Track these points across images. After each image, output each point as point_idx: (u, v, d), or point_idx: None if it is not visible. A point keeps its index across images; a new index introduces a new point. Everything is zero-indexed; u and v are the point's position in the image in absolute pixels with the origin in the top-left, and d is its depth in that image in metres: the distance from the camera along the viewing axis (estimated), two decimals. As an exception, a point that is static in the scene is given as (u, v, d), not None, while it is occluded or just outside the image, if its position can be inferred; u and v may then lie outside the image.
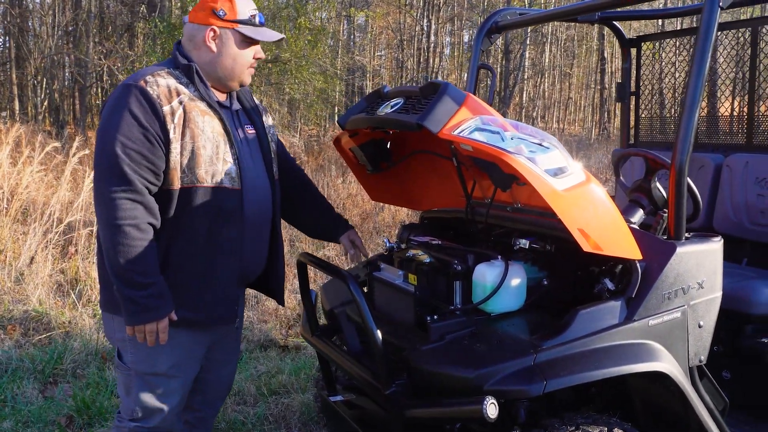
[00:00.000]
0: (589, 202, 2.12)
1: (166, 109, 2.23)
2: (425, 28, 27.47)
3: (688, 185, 2.64)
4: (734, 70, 3.85)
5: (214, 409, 2.80)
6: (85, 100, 17.75)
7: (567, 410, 2.42)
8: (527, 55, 26.45)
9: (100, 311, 2.53)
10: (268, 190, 2.54)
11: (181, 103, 2.27)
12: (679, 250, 2.28)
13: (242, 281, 2.56)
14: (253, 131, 2.56)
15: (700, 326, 2.33)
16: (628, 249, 2.18)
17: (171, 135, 2.23)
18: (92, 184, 2.38)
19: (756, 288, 2.87)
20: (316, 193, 2.90)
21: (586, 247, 2.06)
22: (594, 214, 2.11)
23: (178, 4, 16.27)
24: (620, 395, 2.66)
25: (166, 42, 13.51)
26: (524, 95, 28.91)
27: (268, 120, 2.67)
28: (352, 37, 30.04)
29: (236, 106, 2.54)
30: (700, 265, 2.33)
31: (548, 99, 31.95)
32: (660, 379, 2.28)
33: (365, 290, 2.78)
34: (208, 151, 2.30)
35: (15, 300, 5.23)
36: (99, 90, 19.98)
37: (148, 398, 2.43)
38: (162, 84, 2.26)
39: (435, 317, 2.37)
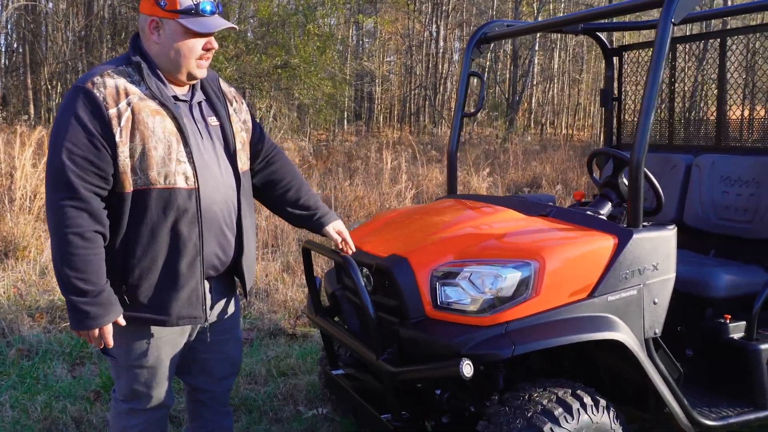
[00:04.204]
0: None
1: (112, 111, 2.18)
2: (434, 34, 27.83)
3: (651, 181, 2.96)
4: (704, 78, 4.17)
5: (225, 386, 2.78)
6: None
7: (538, 376, 2.75)
8: (536, 61, 26.72)
9: None
10: (231, 184, 2.46)
11: (129, 104, 2.21)
12: (636, 236, 2.61)
13: (209, 275, 2.49)
14: (217, 122, 2.47)
15: (654, 303, 2.65)
16: None
17: (117, 139, 2.18)
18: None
19: (716, 275, 3.18)
20: (296, 181, 2.79)
21: None
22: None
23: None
24: (589, 367, 2.99)
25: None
26: (533, 101, 29.19)
27: (240, 108, 2.61)
28: (360, 42, 30.41)
29: (199, 97, 2.45)
30: (655, 249, 2.65)
31: (557, 105, 32.17)
32: (619, 350, 2.60)
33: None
34: (159, 152, 2.23)
35: (41, 291, 5.60)
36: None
37: (136, 386, 2.49)
38: (110, 85, 2.21)
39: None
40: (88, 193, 2.18)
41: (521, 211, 3.03)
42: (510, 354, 2.40)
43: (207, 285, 2.49)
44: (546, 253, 2.55)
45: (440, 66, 28.39)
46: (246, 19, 19.42)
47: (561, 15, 26.19)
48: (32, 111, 18.03)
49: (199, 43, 2.32)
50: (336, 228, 2.83)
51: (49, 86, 18.81)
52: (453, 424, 2.88)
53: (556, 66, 30.28)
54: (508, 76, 26.93)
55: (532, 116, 29.25)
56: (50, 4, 19.78)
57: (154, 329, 2.42)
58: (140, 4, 2.33)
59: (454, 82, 30.47)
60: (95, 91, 2.19)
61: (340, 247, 2.87)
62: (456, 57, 30.99)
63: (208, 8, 2.29)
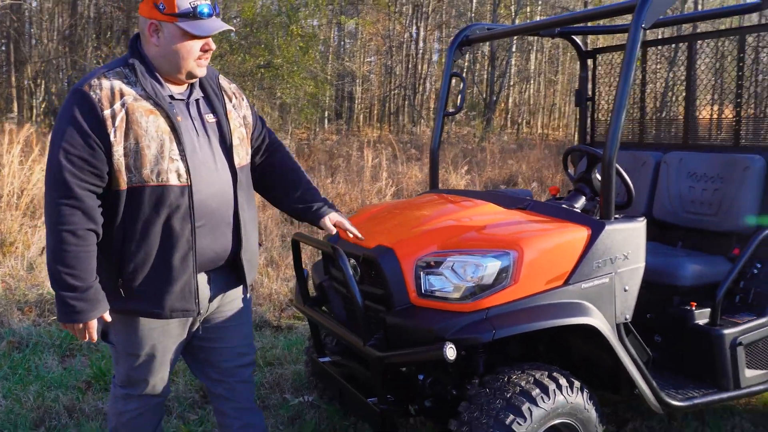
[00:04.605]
0: None
1: (107, 113, 2.27)
2: (414, 35, 28.04)
3: (622, 177, 3.14)
4: (674, 80, 4.38)
5: (239, 377, 2.79)
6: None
7: (516, 361, 2.92)
8: (513, 63, 27.02)
9: None
10: (228, 179, 2.52)
11: (123, 105, 2.29)
12: (608, 227, 2.78)
13: (206, 269, 2.55)
14: (214, 119, 2.53)
15: (625, 290, 2.83)
16: None
17: (112, 138, 2.27)
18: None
19: (682, 265, 3.37)
20: (296, 175, 2.88)
21: None
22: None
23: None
24: (563, 353, 3.16)
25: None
26: (510, 101, 29.51)
27: (240, 104, 2.67)
28: (342, 43, 30.53)
29: (197, 95, 2.52)
30: (626, 240, 2.83)
31: (533, 105, 32.54)
32: (592, 334, 2.77)
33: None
34: (152, 151, 2.31)
35: (29, 285, 5.68)
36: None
37: (133, 372, 2.58)
38: (105, 87, 2.30)
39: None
40: (83, 191, 2.28)
41: (500, 205, 3.19)
42: (491, 338, 2.56)
43: (205, 277, 2.57)
44: (524, 243, 2.71)
45: (420, 66, 28.61)
46: (230, 20, 19.48)
47: (538, 18, 26.57)
48: (15, 109, 17.92)
49: (197, 44, 2.39)
50: (333, 219, 2.88)
51: (33, 85, 18.69)
52: (435, 407, 3.03)
53: (532, 67, 30.64)
54: (485, 76, 27.17)
55: (509, 116, 29.59)
56: (35, 3, 19.67)
57: (149, 320, 2.50)
58: (140, 7, 2.41)
59: (433, 82, 30.70)
60: (91, 93, 2.28)
61: (350, 236, 2.95)
62: (435, 58, 31.24)
63: (206, 11, 2.36)
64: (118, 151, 2.29)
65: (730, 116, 4.01)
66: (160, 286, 2.43)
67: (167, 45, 2.38)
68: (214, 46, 2.45)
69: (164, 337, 2.56)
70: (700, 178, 3.76)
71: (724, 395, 3.18)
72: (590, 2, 22.30)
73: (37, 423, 3.66)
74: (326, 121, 24.94)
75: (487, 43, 25.04)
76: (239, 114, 2.65)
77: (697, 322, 3.26)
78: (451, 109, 4.09)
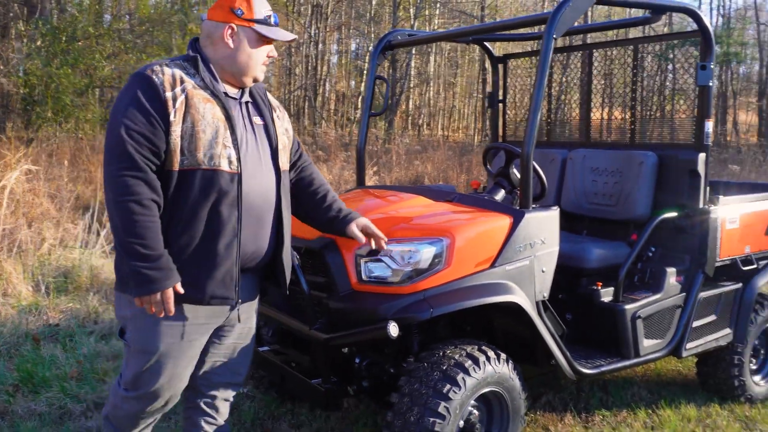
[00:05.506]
0: None
1: (168, 94, 2.36)
2: (313, 36, 28.16)
3: (537, 171, 3.48)
4: (570, 84, 4.83)
5: (224, 394, 2.79)
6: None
7: (448, 338, 3.21)
8: (413, 65, 27.65)
9: (114, 292, 2.63)
10: (272, 179, 2.61)
11: (183, 90, 2.40)
12: (527, 215, 3.11)
13: (244, 264, 2.58)
14: (262, 122, 2.64)
15: (543, 271, 3.17)
16: None
17: (171, 118, 2.35)
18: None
19: (588, 249, 3.76)
20: (324, 188, 2.96)
21: None
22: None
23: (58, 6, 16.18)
24: (488, 332, 3.48)
25: (51, 44, 13.48)
26: (410, 103, 30.15)
27: (283, 117, 2.78)
28: (241, 43, 30.09)
29: (247, 98, 2.64)
30: (542, 226, 3.17)
31: (433, 107, 33.34)
32: (515, 311, 3.09)
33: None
34: (207, 136, 2.40)
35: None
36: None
37: (141, 373, 2.51)
38: (167, 73, 2.41)
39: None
40: (145, 164, 2.33)
41: (430, 198, 3.47)
42: (429, 316, 2.84)
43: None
44: (455, 230, 3.00)
45: (320, 68, 28.75)
46: (122, 17, 18.96)
47: (436, 21, 27.37)
48: None
49: (266, 50, 2.58)
50: (359, 224, 2.91)
51: None
52: (371, 388, 3.27)
53: (432, 70, 31.40)
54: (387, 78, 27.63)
55: (410, 118, 30.22)
56: None
57: (177, 315, 2.44)
58: (211, 12, 2.55)
59: (333, 84, 30.93)
60: (154, 76, 2.38)
61: (370, 244, 2.94)
62: (335, 60, 31.48)
63: (275, 20, 2.58)
64: (176, 131, 2.36)
65: (619, 117, 4.49)
66: (203, 271, 2.45)
67: (242, 48, 2.52)
68: (276, 54, 2.64)
69: (185, 337, 2.51)
70: (602, 172, 4.19)
71: (627, 362, 3.59)
72: (487, 6, 23.21)
73: (-31, 427, 3.64)
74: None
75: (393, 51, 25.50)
76: (282, 125, 2.76)
77: (602, 299, 3.65)
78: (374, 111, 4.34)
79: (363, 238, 2.90)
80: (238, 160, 2.46)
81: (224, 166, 2.43)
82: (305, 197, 2.92)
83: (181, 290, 2.40)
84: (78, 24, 14.48)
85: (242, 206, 2.48)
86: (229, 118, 2.47)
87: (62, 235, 7.02)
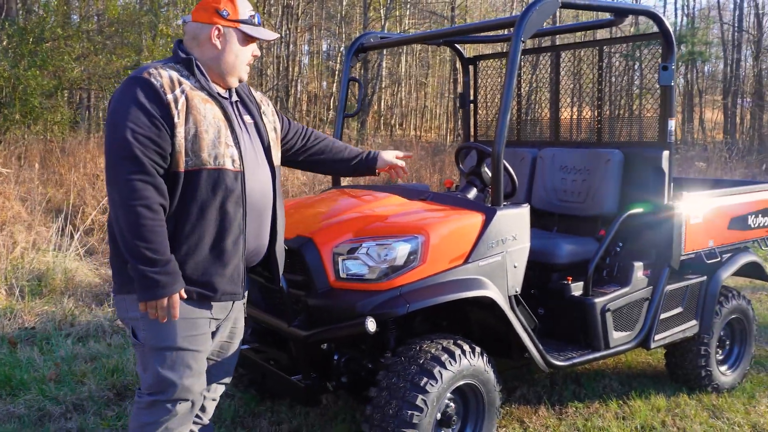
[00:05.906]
0: None
1: (169, 96, 2.38)
2: (284, 37, 28.09)
3: (507, 169, 3.58)
4: (539, 84, 4.95)
5: (215, 394, 2.85)
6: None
7: (424, 333, 3.29)
8: (384, 65, 27.73)
9: (113, 296, 2.62)
10: (268, 175, 2.68)
11: (183, 91, 2.42)
12: (499, 213, 3.21)
13: (248, 259, 2.65)
14: (252, 121, 2.71)
15: (515, 267, 3.27)
16: None
17: (175, 120, 2.37)
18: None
19: (559, 246, 3.87)
20: (332, 140, 3.27)
21: None
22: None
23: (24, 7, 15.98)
24: (463, 327, 3.57)
25: (18, 46, 13.31)
26: (382, 104, 30.23)
27: (268, 110, 2.85)
28: (212, 44, 29.92)
29: (235, 98, 2.70)
30: (514, 223, 3.27)
31: (405, 107, 33.44)
32: (489, 306, 3.19)
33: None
34: (210, 135, 2.44)
35: None
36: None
37: (162, 371, 2.47)
38: (164, 75, 2.42)
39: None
40: (152, 168, 2.35)
41: (404, 197, 3.56)
42: (405, 311, 2.92)
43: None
44: (430, 228, 3.09)
45: (291, 69, 28.69)
46: (90, 17, 18.74)
47: (407, 21, 27.47)
48: None
49: (250, 49, 2.63)
50: (386, 157, 3.35)
51: None
52: (350, 383, 3.34)
53: (403, 70, 31.50)
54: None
55: (382, 119, 30.28)
56: None
57: (188, 308, 2.47)
58: (195, 14, 2.59)
59: (305, 84, 30.87)
60: (152, 79, 2.39)
61: (400, 172, 3.40)
62: (306, 60, 31.42)
63: (259, 20, 2.64)
64: (180, 133, 2.39)
65: (588, 117, 4.61)
66: (214, 269, 2.49)
67: (229, 48, 2.57)
68: (259, 53, 2.68)
69: (198, 330, 2.53)
70: (570, 170, 4.31)
71: (597, 354, 3.71)
72: (457, 6, 23.37)
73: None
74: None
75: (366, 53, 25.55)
76: (269, 119, 2.83)
77: (573, 294, 3.76)
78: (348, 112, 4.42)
79: (399, 162, 3.36)
80: (240, 158, 2.52)
81: (228, 164, 2.48)
82: (324, 154, 3.20)
83: (185, 295, 2.42)
84: (46, 25, 14.31)
85: (246, 203, 2.54)
86: (228, 118, 2.53)
87: (35, 238, 6.98)
